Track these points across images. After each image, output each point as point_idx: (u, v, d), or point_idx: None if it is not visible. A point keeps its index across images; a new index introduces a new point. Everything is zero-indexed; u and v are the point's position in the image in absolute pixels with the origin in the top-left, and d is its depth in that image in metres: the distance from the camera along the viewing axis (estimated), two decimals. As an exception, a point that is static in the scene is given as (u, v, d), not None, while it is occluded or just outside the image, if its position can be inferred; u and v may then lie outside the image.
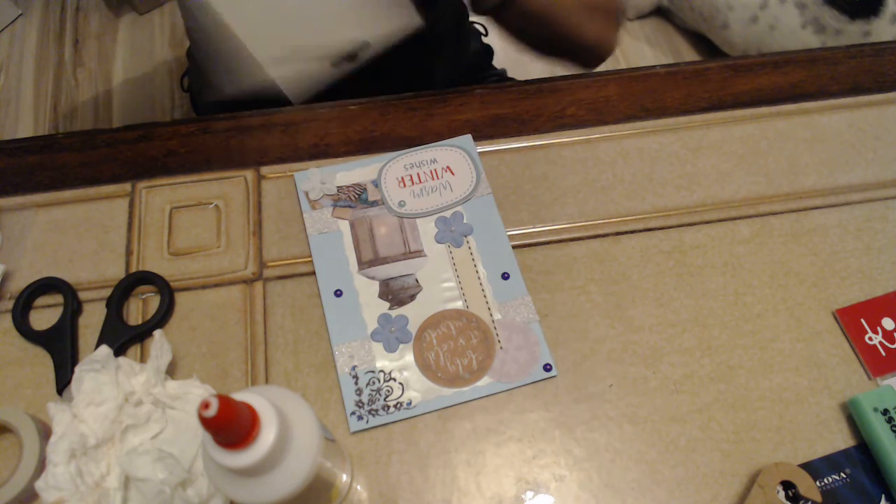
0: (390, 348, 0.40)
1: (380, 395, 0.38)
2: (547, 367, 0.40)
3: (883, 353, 0.40)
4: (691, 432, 0.38)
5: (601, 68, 0.51)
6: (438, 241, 0.43)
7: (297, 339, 0.41)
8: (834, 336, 0.41)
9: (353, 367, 0.39)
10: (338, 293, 0.41)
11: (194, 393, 0.37)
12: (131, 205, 0.45)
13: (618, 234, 0.45)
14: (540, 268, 0.43)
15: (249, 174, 0.46)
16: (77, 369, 0.36)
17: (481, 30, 0.82)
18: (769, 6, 1.28)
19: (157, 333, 0.38)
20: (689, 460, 0.37)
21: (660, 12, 1.56)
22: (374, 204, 0.45)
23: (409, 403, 0.38)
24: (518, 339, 0.40)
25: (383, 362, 0.39)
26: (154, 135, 0.48)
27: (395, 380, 0.39)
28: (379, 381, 0.39)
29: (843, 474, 0.37)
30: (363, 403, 0.38)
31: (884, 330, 0.41)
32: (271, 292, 0.42)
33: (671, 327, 0.41)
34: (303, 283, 0.42)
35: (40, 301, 0.42)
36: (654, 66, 0.52)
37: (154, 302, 0.41)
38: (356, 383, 0.39)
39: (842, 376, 0.40)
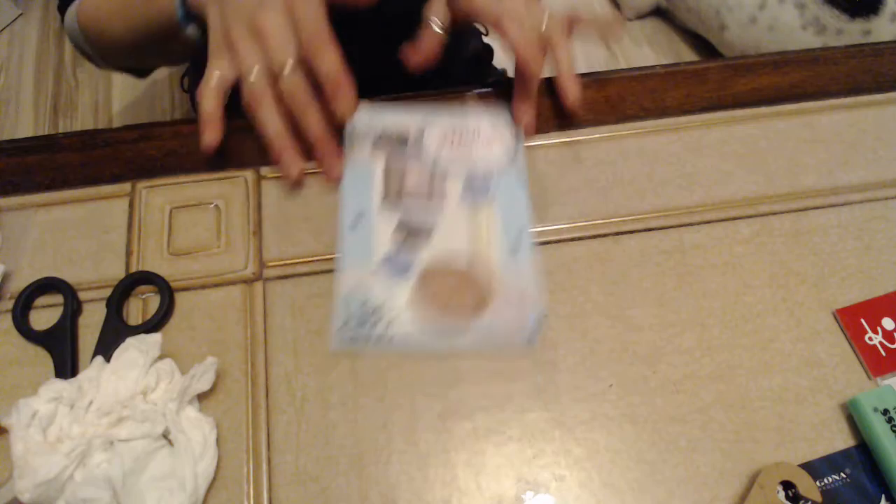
0: (391, 283, 0.41)
1: (369, 324, 0.40)
2: (531, 340, 0.40)
3: (883, 353, 0.40)
4: (691, 432, 0.38)
5: (601, 68, 0.51)
6: (462, 200, 0.44)
7: (297, 339, 0.41)
8: (834, 336, 0.41)
9: (351, 293, 0.40)
10: (356, 221, 0.43)
11: (201, 432, 0.36)
12: (131, 205, 0.45)
13: (618, 234, 0.45)
14: (540, 268, 0.43)
15: (249, 174, 0.46)
16: (130, 340, 0.38)
17: (482, 29, 0.82)
18: (768, 6, 1.28)
19: (210, 359, 0.38)
20: (689, 460, 0.38)
21: (659, 13, 1.56)
22: (411, 152, 0.46)
23: (394, 338, 0.40)
24: (510, 311, 0.41)
25: (382, 295, 0.41)
26: (154, 135, 0.48)
27: (387, 314, 0.40)
28: (373, 312, 0.40)
29: (843, 474, 0.37)
30: (351, 328, 0.40)
31: (884, 330, 0.41)
32: (271, 292, 0.42)
33: (671, 327, 0.41)
34: (303, 283, 0.42)
35: (40, 301, 0.42)
36: (653, 66, 0.52)
37: (154, 302, 0.41)
38: (348, 308, 0.40)
39: (842, 376, 0.40)
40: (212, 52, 0.43)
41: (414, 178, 0.45)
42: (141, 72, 0.66)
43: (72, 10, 0.56)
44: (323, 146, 0.43)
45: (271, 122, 0.42)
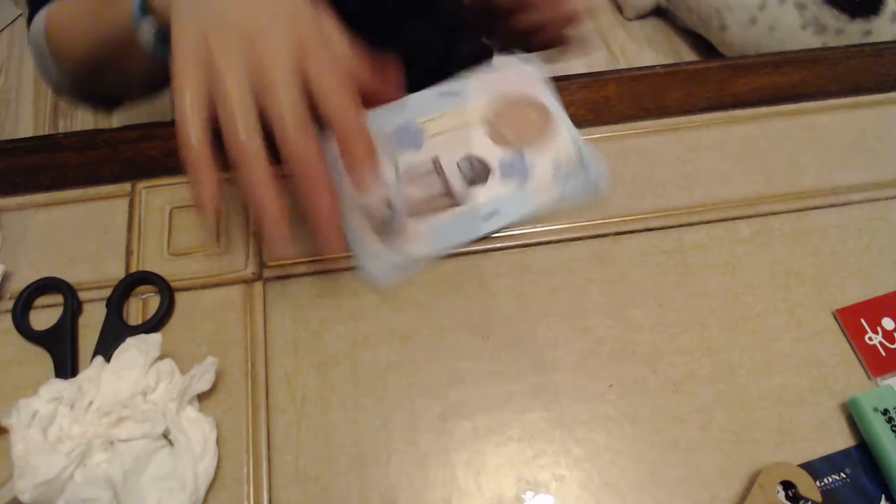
0: (524, 169, 0.45)
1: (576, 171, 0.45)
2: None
3: (883, 353, 0.40)
4: (691, 432, 0.38)
5: (601, 68, 0.51)
6: (404, 148, 0.46)
7: (297, 339, 0.41)
8: (834, 336, 0.41)
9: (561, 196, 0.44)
10: (488, 217, 0.44)
11: (201, 432, 0.36)
12: (131, 205, 0.45)
13: (618, 234, 0.45)
14: (540, 268, 0.43)
15: (249, 174, 0.46)
16: (130, 340, 0.37)
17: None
18: (768, 7, 1.28)
19: (210, 359, 0.38)
20: (689, 460, 0.38)
21: (659, 13, 1.56)
22: (393, 215, 0.44)
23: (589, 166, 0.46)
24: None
25: (544, 162, 0.45)
26: (154, 135, 0.48)
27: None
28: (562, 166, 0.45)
29: (843, 474, 0.37)
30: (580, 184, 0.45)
31: (884, 330, 0.41)
32: (271, 292, 0.42)
33: (671, 327, 0.41)
34: (303, 283, 0.42)
35: (40, 301, 0.42)
36: (654, 66, 0.52)
37: (154, 302, 0.41)
38: (572, 180, 0.45)
39: (842, 376, 0.40)
40: (180, 60, 0.33)
41: (415, 190, 0.44)
42: (106, 102, 0.59)
43: (39, 21, 0.51)
44: (330, 230, 0.34)
45: (267, 199, 0.33)
